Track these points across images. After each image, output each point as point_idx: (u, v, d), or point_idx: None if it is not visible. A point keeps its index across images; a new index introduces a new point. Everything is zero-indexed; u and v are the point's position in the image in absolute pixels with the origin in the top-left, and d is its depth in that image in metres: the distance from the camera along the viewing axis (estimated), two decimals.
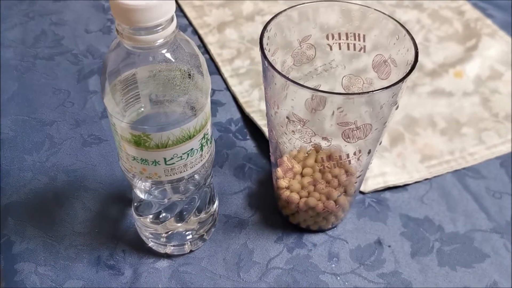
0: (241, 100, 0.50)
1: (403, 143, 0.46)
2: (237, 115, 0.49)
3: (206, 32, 0.57)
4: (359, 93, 0.28)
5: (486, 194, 0.43)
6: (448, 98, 0.51)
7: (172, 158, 0.30)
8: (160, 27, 0.26)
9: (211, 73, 0.53)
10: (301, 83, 0.37)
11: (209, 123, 0.31)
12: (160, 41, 0.26)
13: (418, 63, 0.31)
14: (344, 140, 0.31)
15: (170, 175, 0.31)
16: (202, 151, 0.31)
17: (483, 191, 0.43)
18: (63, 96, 0.50)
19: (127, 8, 0.24)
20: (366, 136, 0.31)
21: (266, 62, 0.29)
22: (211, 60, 0.55)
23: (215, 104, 0.50)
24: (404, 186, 0.43)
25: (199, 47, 0.56)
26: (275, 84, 0.30)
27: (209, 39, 0.56)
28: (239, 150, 0.46)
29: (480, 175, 0.44)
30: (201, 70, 0.29)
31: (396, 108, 0.31)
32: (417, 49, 0.30)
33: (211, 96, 0.51)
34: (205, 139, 0.31)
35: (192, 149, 0.30)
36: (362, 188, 0.42)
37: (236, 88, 0.51)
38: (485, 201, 0.42)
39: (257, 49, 0.55)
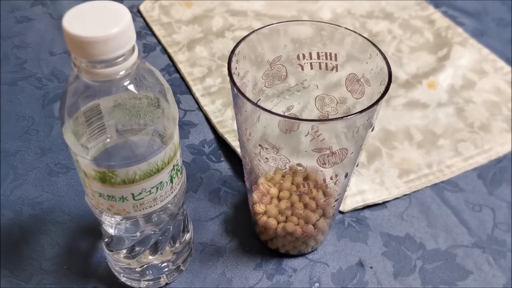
0: (214, 120, 0.48)
1: (380, 159, 0.45)
2: (210, 136, 0.47)
3: (176, 50, 0.56)
4: (333, 119, 0.27)
5: (466, 208, 0.42)
6: (423, 109, 0.50)
7: (140, 193, 0.29)
8: (121, 58, 0.24)
9: (182, 93, 0.51)
10: (275, 102, 0.36)
11: (178, 153, 0.30)
12: (122, 73, 0.25)
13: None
14: (320, 166, 0.29)
15: (140, 210, 0.30)
16: (172, 183, 0.30)
17: (462, 204, 0.42)
18: (27, 124, 0.48)
19: (83, 41, 0.23)
20: (342, 161, 0.30)
21: (235, 89, 0.28)
22: (182, 79, 0.53)
23: (187, 125, 0.48)
24: (383, 203, 0.42)
25: (168, 66, 0.55)
26: (246, 111, 0.28)
27: (179, 58, 0.55)
28: (213, 173, 0.44)
29: (458, 188, 0.44)
30: (167, 98, 0.28)
31: (372, 130, 0.30)
32: (390, 69, 0.29)
33: (182, 117, 0.49)
34: (175, 170, 0.30)
35: (161, 182, 0.29)
36: (341, 208, 0.41)
37: (208, 108, 0.50)
38: (465, 215, 0.42)
39: None
